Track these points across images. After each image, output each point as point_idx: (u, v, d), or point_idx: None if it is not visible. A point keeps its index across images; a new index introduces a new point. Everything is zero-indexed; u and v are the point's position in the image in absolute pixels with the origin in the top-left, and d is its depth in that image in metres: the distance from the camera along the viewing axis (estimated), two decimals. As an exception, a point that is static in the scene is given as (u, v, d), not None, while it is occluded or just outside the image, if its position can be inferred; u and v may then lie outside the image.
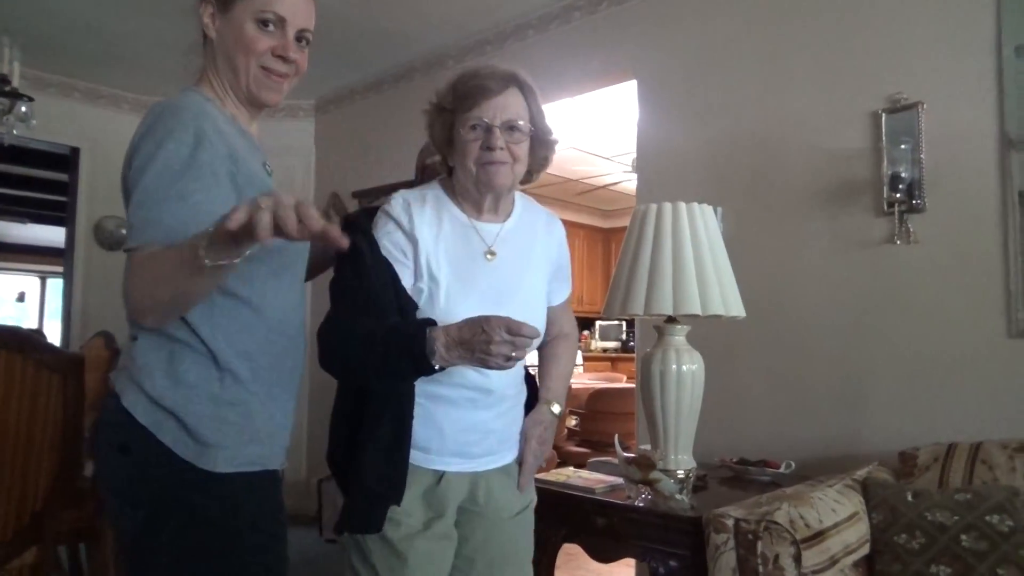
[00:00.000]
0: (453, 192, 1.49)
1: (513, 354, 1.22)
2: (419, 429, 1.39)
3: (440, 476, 1.42)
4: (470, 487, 1.46)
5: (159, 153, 1.13)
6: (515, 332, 1.21)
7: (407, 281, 1.40)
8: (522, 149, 1.43)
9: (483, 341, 1.21)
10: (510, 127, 1.40)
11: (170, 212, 1.12)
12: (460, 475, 1.44)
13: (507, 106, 1.39)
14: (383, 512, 1.36)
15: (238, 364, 1.21)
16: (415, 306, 1.40)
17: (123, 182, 1.21)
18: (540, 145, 1.48)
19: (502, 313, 1.33)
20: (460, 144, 1.42)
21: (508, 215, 1.52)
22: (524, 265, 1.50)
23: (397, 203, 1.45)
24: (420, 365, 1.26)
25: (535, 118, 1.44)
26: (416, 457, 1.40)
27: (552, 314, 1.61)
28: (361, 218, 1.49)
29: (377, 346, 1.30)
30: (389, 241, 1.42)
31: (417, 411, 1.39)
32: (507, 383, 1.46)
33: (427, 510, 1.41)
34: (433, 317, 1.35)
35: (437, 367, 1.26)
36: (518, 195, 1.56)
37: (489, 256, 1.46)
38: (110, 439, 1.20)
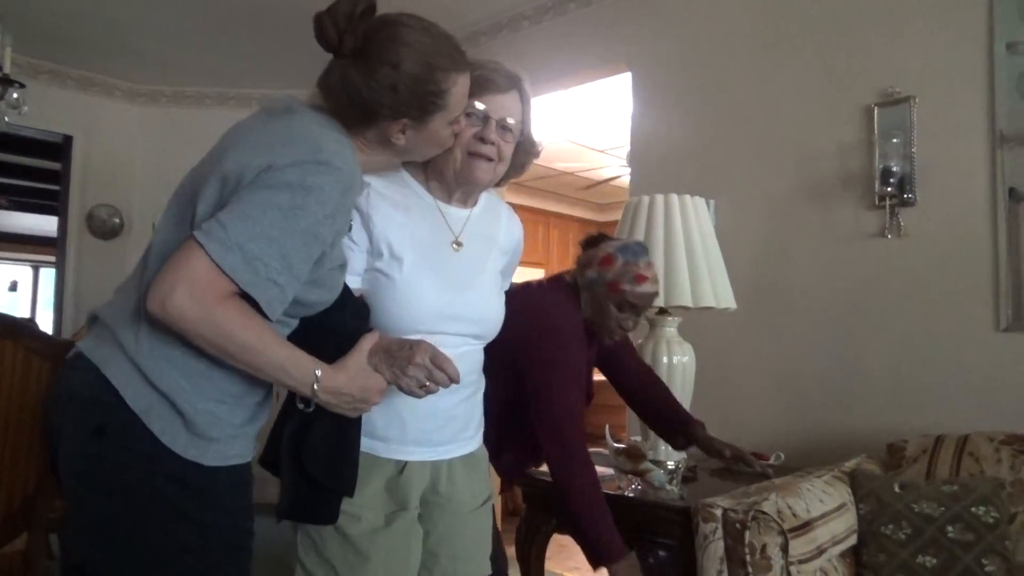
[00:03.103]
0: (424, 176, 1.47)
1: (427, 383, 1.20)
2: (378, 417, 1.35)
3: (403, 466, 1.38)
4: (432, 476, 1.42)
5: (296, 201, 1.07)
6: (438, 364, 1.19)
7: (357, 264, 1.37)
8: (509, 149, 1.45)
9: (404, 358, 1.20)
10: (503, 126, 1.42)
11: (265, 262, 1.06)
12: (423, 464, 1.41)
13: (506, 105, 1.42)
14: (336, 503, 1.29)
15: (231, 368, 1.14)
16: (355, 298, 1.34)
17: (225, 164, 1.11)
18: (523, 151, 1.51)
19: (463, 300, 1.39)
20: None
21: (475, 204, 1.53)
22: (486, 255, 1.51)
23: None
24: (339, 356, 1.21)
25: (526, 125, 1.48)
26: (376, 447, 1.36)
27: None
28: None
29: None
30: None
31: None
32: (467, 369, 1.43)
33: (389, 502, 1.37)
34: (390, 298, 1.35)
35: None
36: None
37: (456, 246, 1.46)
38: (82, 418, 1.08)
